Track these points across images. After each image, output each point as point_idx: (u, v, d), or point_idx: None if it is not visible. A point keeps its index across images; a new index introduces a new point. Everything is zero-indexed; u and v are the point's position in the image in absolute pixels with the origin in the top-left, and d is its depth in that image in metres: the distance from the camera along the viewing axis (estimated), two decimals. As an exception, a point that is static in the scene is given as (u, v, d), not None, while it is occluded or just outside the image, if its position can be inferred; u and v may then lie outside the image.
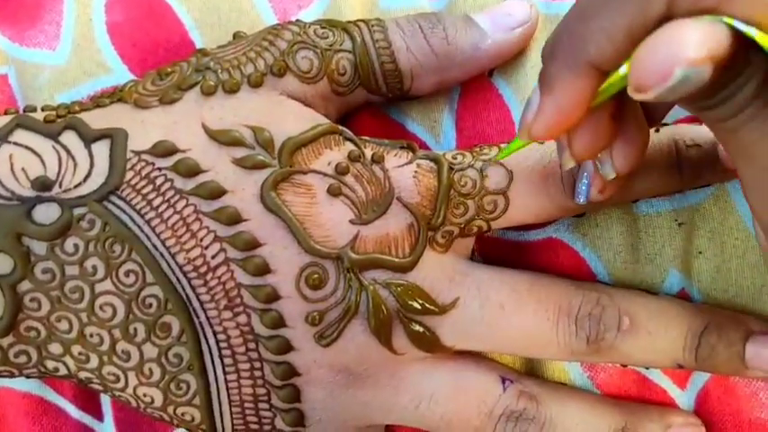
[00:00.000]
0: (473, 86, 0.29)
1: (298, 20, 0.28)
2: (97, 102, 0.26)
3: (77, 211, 0.24)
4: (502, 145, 0.27)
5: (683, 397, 0.28)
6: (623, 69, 0.20)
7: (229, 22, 0.30)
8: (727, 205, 0.27)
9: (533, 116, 0.21)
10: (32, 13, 0.30)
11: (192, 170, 0.24)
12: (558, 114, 0.20)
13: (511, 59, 0.29)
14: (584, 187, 0.24)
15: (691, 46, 0.17)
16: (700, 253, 0.27)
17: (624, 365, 0.28)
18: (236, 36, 0.28)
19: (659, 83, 0.17)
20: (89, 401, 0.30)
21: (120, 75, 0.29)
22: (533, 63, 0.28)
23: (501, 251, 0.28)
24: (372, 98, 0.28)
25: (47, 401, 0.29)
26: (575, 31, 0.20)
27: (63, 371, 0.25)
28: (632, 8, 0.19)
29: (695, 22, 0.17)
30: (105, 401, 0.30)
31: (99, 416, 0.30)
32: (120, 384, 0.25)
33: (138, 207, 0.24)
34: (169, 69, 0.27)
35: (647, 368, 0.28)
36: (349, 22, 0.28)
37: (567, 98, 0.20)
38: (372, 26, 0.27)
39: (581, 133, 0.21)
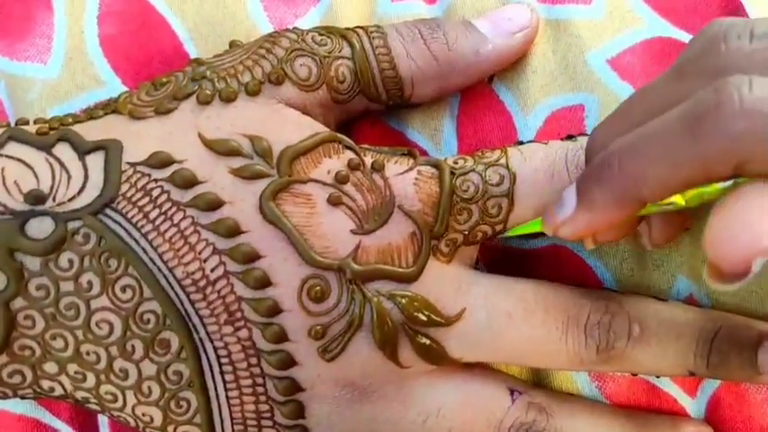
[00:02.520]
0: (473, 93, 0.29)
1: (295, 27, 0.27)
2: (90, 113, 0.26)
3: (72, 225, 0.23)
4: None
5: (694, 405, 0.28)
6: None
7: (224, 33, 0.29)
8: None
9: (564, 219, 0.22)
10: (22, 25, 0.29)
11: (188, 181, 0.24)
12: (590, 228, 0.22)
13: (511, 65, 0.28)
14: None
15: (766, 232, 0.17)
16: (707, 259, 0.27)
17: (634, 374, 0.27)
18: (232, 45, 0.27)
19: (740, 276, 0.18)
20: (86, 423, 0.29)
21: (114, 87, 0.29)
22: (534, 68, 0.28)
23: (505, 260, 0.28)
24: (372, 106, 0.28)
25: (42, 424, 0.28)
26: (628, 169, 0.20)
27: (59, 391, 0.25)
28: (695, 168, 0.19)
29: (765, 196, 0.18)
30: (103, 423, 0.29)
31: (96, 437, 0.29)
32: (119, 404, 0.25)
33: (134, 220, 0.23)
34: (164, 79, 0.26)
35: (657, 377, 0.27)
36: (347, 28, 0.27)
37: (603, 220, 0.21)
38: (371, 32, 0.27)
39: (608, 231, 0.23)
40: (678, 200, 0.21)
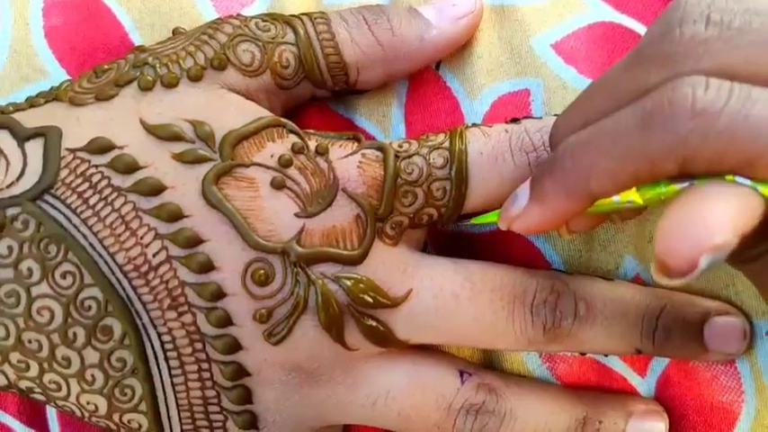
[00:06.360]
0: (420, 79, 0.29)
1: (239, 14, 0.27)
2: (32, 102, 0.26)
3: (10, 212, 0.23)
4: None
5: (644, 384, 0.28)
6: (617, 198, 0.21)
7: (170, 22, 0.29)
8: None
9: (517, 214, 0.22)
10: None
11: (129, 167, 0.24)
12: (542, 223, 0.22)
13: (457, 51, 0.28)
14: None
15: (717, 230, 0.17)
16: (652, 238, 0.27)
17: (583, 354, 0.28)
18: (175, 32, 0.27)
19: (687, 273, 0.18)
20: (34, 416, 0.28)
21: (58, 78, 0.28)
22: (480, 54, 0.28)
23: (454, 243, 0.28)
24: (319, 92, 0.28)
25: (-11, 418, 0.28)
26: (579, 162, 0.20)
27: (2, 380, 0.24)
28: (642, 163, 0.19)
29: (718, 196, 0.18)
30: (51, 415, 0.28)
31: (45, 430, 0.29)
32: (63, 393, 0.24)
33: (73, 206, 0.23)
34: (106, 67, 0.26)
35: (606, 356, 0.28)
36: (292, 15, 0.27)
37: (555, 214, 0.21)
38: (315, 18, 0.27)
39: (578, 222, 0.24)
40: (636, 199, 0.21)
